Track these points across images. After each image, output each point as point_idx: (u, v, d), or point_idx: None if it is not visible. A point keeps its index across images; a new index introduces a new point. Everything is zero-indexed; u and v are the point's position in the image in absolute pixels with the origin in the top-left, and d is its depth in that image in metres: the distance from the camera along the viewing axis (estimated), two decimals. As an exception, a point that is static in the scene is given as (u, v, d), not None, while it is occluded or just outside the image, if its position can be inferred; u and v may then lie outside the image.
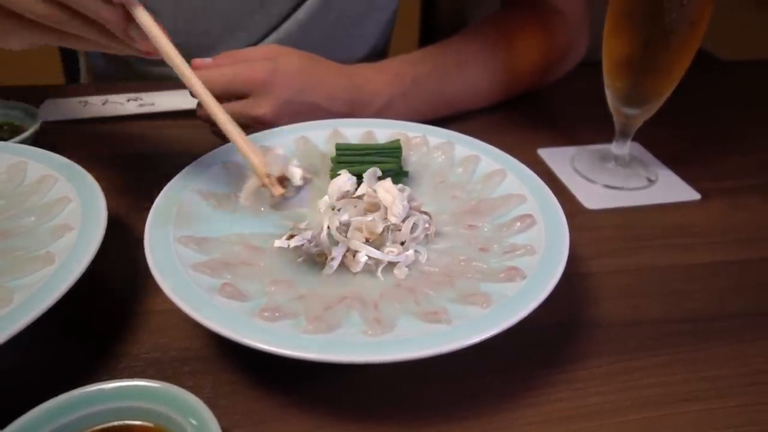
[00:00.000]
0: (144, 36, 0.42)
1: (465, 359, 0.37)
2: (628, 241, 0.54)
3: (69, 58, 1.07)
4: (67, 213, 0.44)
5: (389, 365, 0.36)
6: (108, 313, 0.44)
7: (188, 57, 0.44)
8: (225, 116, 0.42)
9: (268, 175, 0.40)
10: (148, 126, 0.69)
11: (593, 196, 0.59)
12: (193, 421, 0.32)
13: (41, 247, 0.41)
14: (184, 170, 0.49)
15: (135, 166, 0.61)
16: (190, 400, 0.33)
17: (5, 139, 0.56)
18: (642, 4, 0.54)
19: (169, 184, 0.47)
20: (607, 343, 0.44)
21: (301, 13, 0.77)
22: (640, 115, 0.59)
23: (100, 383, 0.34)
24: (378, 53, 0.90)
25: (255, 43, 0.79)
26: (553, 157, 0.66)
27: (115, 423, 0.33)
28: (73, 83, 1.02)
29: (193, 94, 0.43)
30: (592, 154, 0.65)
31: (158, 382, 0.34)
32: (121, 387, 0.34)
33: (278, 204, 0.42)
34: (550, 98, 0.79)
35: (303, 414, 0.38)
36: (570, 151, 0.67)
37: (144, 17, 0.41)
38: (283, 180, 0.40)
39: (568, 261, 0.41)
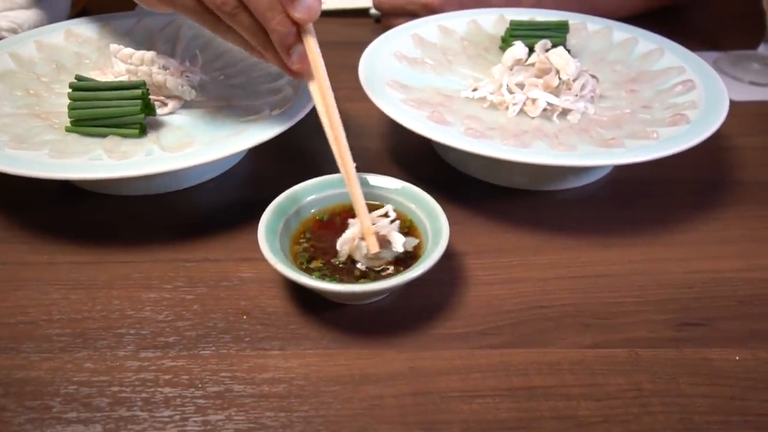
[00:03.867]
0: (301, 60, 0.41)
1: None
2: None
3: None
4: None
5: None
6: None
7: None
8: (352, 169, 0.40)
9: (375, 233, 0.39)
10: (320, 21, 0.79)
11: (739, 90, 0.63)
12: (427, 216, 0.41)
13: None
14: (381, 37, 0.58)
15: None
16: (427, 198, 0.42)
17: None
18: None
19: (368, 49, 0.56)
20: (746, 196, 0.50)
21: None
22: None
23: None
24: None
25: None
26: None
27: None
28: None
29: (330, 135, 0.41)
30: (736, 57, 0.69)
31: (400, 181, 0.43)
32: (361, 177, 0.43)
33: (369, 261, 0.40)
34: (689, 9, 0.81)
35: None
36: (712, 55, 0.70)
37: (315, 46, 0.41)
38: (384, 242, 0.39)
39: (714, 133, 0.46)
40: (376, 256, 0.39)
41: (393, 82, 0.51)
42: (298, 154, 0.52)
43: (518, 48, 0.55)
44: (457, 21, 0.62)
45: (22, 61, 0.55)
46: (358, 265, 0.40)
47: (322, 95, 0.41)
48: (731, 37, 0.73)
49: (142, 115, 0.47)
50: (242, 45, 0.43)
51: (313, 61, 0.41)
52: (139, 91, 0.47)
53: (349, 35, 0.76)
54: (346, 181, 0.40)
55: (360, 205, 0.40)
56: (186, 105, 0.52)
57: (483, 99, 0.52)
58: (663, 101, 0.51)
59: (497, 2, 0.68)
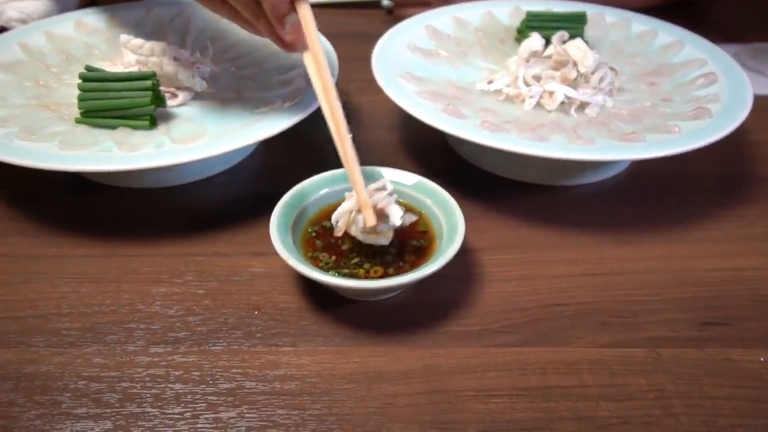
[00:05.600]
0: (295, 30, 0.39)
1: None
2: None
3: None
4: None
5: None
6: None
7: None
8: (349, 142, 0.38)
9: (372, 206, 0.37)
10: (331, 13, 0.78)
11: (761, 84, 0.61)
12: (442, 211, 0.41)
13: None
14: (394, 28, 0.57)
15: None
16: (442, 193, 0.41)
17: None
18: None
19: (381, 41, 0.55)
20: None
21: None
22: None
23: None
24: None
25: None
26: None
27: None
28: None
29: (325, 108, 0.39)
30: (757, 50, 0.67)
31: (416, 175, 0.42)
32: (375, 170, 0.43)
33: (366, 235, 0.38)
34: (709, 1, 0.80)
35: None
36: (732, 48, 0.69)
37: (309, 15, 0.39)
38: (381, 215, 0.37)
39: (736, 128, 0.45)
40: (372, 230, 0.37)
41: (406, 74, 0.50)
42: (310, 146, 0.51)
43: (535, 39, 0.53)
44: (472, 12, 0.61)
45: (31, 51, 0.54)
46: (357, 237, 0.38)
47: (317, 66, 0.39)
48: (752, 30, 0.71)
49: (153, 107, 0.46)
50: (233, 17, 0.41)
51: (307, 31, 0.39)
52: (149, 82, 0.46)
53: (361, 27, 0.75)
54: (342, 154, 0.38)
55: (357, 178, 0.38)
56: (197, 96, 0.51)
57: (498, 92, 0.51)
58: (684, 94, 0.49)
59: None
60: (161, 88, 0.48)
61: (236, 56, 0.56)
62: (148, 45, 0.50)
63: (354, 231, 0.38)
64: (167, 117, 0.48)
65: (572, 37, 0.54)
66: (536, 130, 0.45)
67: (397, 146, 0.54)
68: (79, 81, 0.46)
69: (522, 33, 0.58)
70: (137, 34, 0.53)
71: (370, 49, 0.54)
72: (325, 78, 0.39)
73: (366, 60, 0.52)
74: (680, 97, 0.49)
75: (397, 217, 0.37)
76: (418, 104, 0.46)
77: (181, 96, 0.50)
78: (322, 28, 0.60)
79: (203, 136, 0.45)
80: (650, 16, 0.61)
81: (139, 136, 0.45)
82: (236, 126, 0.46)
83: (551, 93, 0.48)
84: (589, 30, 0.59)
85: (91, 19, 0.59)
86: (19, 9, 0.64)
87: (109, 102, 0.46)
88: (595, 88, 0.49)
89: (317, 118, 0.47)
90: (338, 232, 0.39)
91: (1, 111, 0.47)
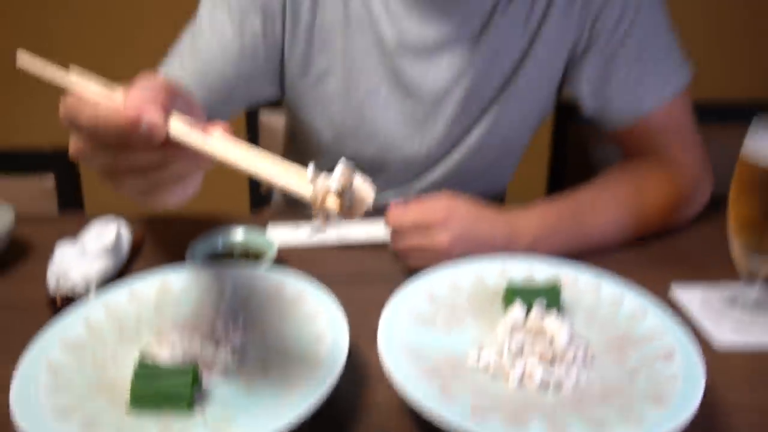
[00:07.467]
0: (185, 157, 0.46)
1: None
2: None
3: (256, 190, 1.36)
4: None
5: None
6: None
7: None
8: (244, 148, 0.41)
9: (324, 193, 0.34)
10: (338, 255, 0.88)
11: (726, 330, 0.69)
12: None
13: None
14: (396, 297, 0.66)
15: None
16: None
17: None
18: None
19: (385, 313, 0.64)
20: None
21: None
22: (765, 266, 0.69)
23: None
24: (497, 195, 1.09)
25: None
26: (684, 294, 0.76)
27: None
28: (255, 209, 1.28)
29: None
30: (722, 294, 0.75)
31: None
32: None
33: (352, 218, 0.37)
34: (681, 236, 0.90)
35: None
36: (700, 289, 0.77)
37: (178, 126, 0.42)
38: (344, 196, 0.34)
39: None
40: (348, 213, 0.37)
41: (408, 351, 0.58)
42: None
43: (517, 310, 0.63)
44: (464, 275, 0.70)
45: (92, 328, 0.63)
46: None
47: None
48: (719, 265, 0.79)
49: (191, 394, 0.54)
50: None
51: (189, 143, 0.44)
52: (190, 375, 0.54)
53: (368, 267, 0.84)
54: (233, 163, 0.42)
55: (286, 171, 0.38)
56: (226, 370, 0.59)
57: (487, 367, 0.58)
58: (648, 370, 0.56)
59: (498, 244, 0.78)
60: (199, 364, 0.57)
61: (263, 321, 0.65)
62: (187, 334, 0.61)
63: (335, 218, 0.38)
64: (202, 397, 0.56)
65: (549, 305, 0.63)
66: (519, 415, 0.52)
67: (399, 406, 0.59)
68: (132, 374, 0.55)
69: (507, 298, 0.67)
70: (181, 298, 0.63)
71: (379, 291, 0.62)
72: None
73: (374, 303, 0.61)
74: (645, 374, 0.56)
75: (369, 194, 0.37)
76: (418, 389, 0.53)
77: (214, 372, 0.59)
78: (332, 272, 0.68)
79: (236, 418, 0.52)
80: (623, 274, 0.70)
81: (179, 421, 0.53)
82: (264, 407, 0.53)
83: (531, 374, 0.56)
84: (565, 292, 0.68)
85: (142, 287, 0.69)
86: (82, 274, 0.74)
87: (156, 392, 0.54)
88: (570, 363, 0.57)
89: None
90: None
91: (65, 398, 0.55)
